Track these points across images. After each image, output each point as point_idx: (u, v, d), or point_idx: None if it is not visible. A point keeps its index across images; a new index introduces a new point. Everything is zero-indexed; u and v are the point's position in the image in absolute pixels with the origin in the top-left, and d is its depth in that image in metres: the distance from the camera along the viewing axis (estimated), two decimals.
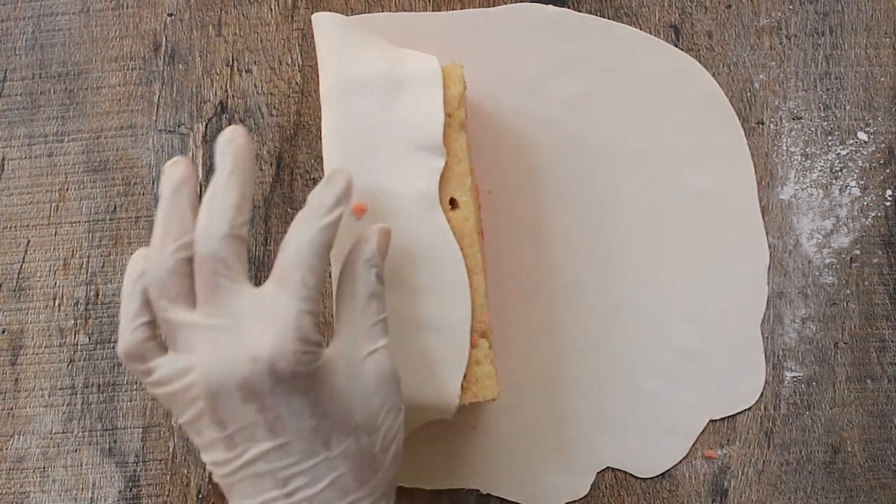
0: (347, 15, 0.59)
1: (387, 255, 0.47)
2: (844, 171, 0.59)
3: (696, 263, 0.58)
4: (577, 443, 0.57)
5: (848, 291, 0.58)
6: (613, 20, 0.59)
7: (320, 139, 0.59)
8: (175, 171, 0.46)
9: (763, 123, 0.59)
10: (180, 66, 0.60)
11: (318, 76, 0.59)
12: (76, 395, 0.58)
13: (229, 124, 0.59)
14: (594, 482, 0.57)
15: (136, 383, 0.58)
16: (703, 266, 0.58)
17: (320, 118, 0.59)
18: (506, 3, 0.59)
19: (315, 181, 0.59)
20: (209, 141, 0.59)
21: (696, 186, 0.58)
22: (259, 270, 0.59)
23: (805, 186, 0.59)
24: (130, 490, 0.58)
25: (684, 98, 0.58)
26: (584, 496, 0.57)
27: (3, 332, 0.59)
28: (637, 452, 0.57)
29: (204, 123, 0.59)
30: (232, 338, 0.43)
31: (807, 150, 0.59)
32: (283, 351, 0.42)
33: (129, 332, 0.45)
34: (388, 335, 0.46)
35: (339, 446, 0.43)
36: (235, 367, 0.42)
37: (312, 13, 0.56)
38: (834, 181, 0.59)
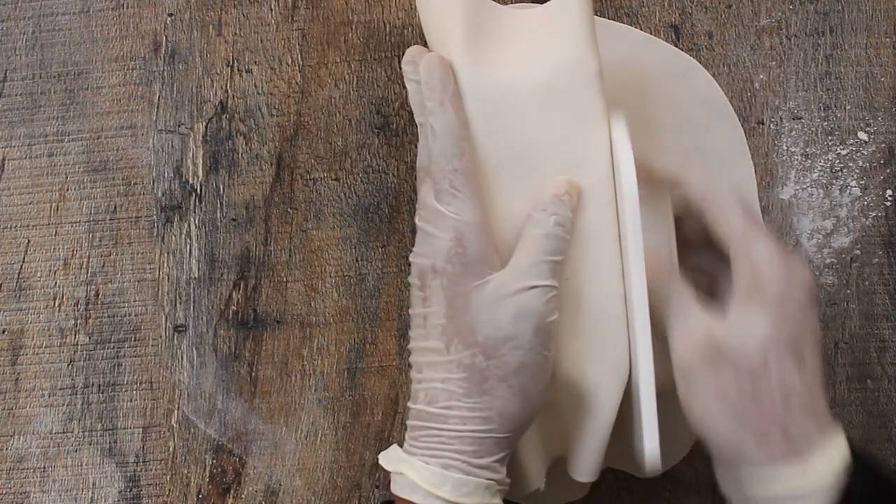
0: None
1: (573, 207, 0.48)
2: (844, 171, 0.59)
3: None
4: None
5: (848, 291, 0.58)
6: (613, 20, 0.59)
7: (320, 139, 0.59)
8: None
9: (763, 123, 0.59)
10: (180, 66, 0.60)
11: (318, 76, 0.59)
12: (76, 395, 0.58)
13: (229, 124, 0.59)
14: (594, 482, 0.57)
15: (137, 383, 0.59)
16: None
17: (320, 118, 0.59)
18: (506, 4, 0.59)
19: (315, 181, 0.59)
20: (209, 141, 0.59)
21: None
22: (259, 270, 0.59)
23: (805, 186, 0.59)
24: (130, 490, 0.58)
25: (684, 98, 0.58)
26: (584, 496, 0.57)
27: (3, 332, 0.59)
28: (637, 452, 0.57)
29: (204, 123, 0.59)
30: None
31: (807, 150, 0.59)
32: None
33: None
34: (555, 279, 0.47)
35: (455, 353, 0.47)
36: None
37: (312, 13, 0.56)
38: (834, 181, 0.59)
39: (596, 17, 0.58)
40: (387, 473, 0.48)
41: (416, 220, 0.49)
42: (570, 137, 0.50)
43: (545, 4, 0.52)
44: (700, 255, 0.53)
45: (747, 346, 0.46)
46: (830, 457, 0.46)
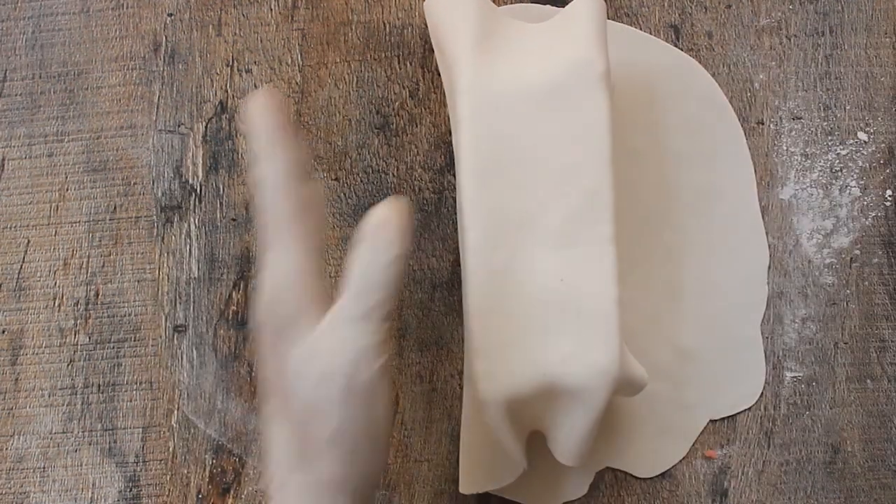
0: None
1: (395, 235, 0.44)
2: (844, 171, 0.59)
3: (695, 263, 0.58)
4: None
5: (848, 291, 0.58)
6: (613, 20, 0.59)
7: (320, 139, 0.59)
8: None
9: (763, 123, 0.59)
10: (180, 66, 0.60)
11: (318, 76, 0.59)
12: (76, 395, 0.58)
13: (229, 124, 0.59)
14: (593, 482, 0.57)
15: (136, 383, 0.58)
16: (703, 266, 0.58)
17: (320, 118, 0.59)
18: (506, 4, 0.59)
19: (315, 181, 0.59)
20: (209, 141, 0.59)
21: (695, 186, 0.58)
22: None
23: (805, 186, 0.59)
24: (130, 490, 0.58)
25: (684, 98, 0.58)
26: (584, 496, 0.57)
27: (3, 332, 0.59)
28: (637, 452, 0.57)
29: (204, 123, 0.59)
30: None
31: (807, 150, 0.59)
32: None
33: None
34: (372, 323, 0.43)
35: (280, 424, 0.45)
36: None
37: (312, 13, 0.56)
38: (834, 181, 0.59)
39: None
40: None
41: None
42: (573, 139, 0.50)
43: (555, 17, 0.52)
44: None
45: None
46: None
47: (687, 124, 0.58)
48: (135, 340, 0.59)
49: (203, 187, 0.59)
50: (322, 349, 0.42)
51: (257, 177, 0.45)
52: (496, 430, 0.50)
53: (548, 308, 0.49)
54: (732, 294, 0.58)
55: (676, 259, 0.58)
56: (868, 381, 0.58)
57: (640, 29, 0.59)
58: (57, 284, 0.59)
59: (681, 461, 0.57)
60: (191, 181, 0.59)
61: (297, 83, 0.59)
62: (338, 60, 0.59)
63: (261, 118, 0.46)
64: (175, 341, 0.59)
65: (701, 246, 0.58)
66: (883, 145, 0.59)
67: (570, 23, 0.51)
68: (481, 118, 0.50)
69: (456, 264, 0.58)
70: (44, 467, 0.58)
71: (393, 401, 0.46)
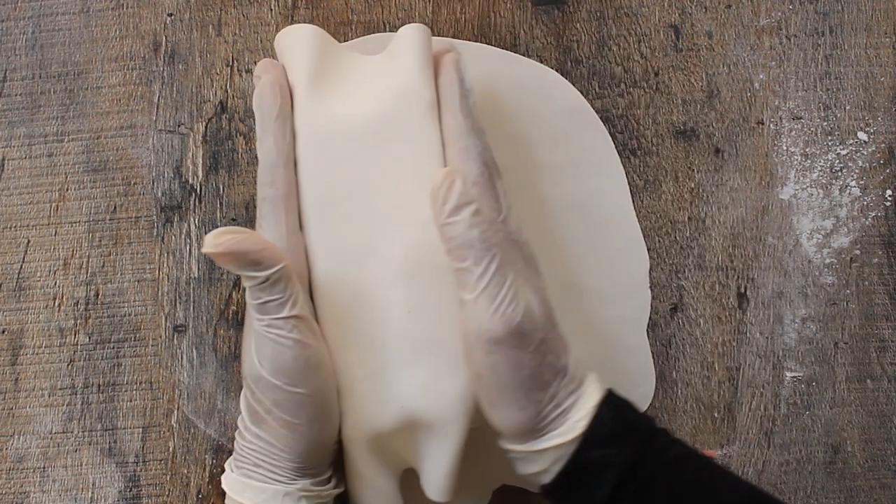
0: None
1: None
2: (844, 171, 0.59)
3: (576, 274, 0.57)
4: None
5: (848, 291, 0.58)
6: (613, 20, 0.59)
7: None
8: None
9: (763, 123, 0.59)
10: (180, 66, 0.60)
11: None
12: (76, 395, 0.58)
13: (229, 124, 0.59)
14: None
15: (136, 383, 0.59)
16: (585, 276, 0.57)
17: None
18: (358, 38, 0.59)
19: None
20: (209, 141, 0.59)
21: (566, 197, 0.57)
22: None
23: (805, 186, 0.59)
24: (130, 490, 0.58)
25: (548, 110, 0.57)
26: None
27: (3, 332, 0.59)
28: None
29: (204, 123, 0.59)
30: None
31: (807, 150, 0.59)
32: None
33: None
34: (295, 309, 0.47)
35: (244, 384, 0.49)
36: None
37: (312, 13, 0.56)
38: (834, 181, 0.59)
39: (452, 39, 0.58)
40: None
41: None
42: (406, 169, 0.49)
43: (387, 48, 0.52)
44: None
45: (537, 318, 0.46)
46: (585, 406, 0.47)
47: (554, 136, 0.58)
48: (135, 340, 0.59)
49: (203, 187, 0.59)
50: (256, 328, 0.47)
51: (259, 152, 0.48)
52: (365, 466, 0.49)
53: (401, 341, 0.48)
54: (615, 302, 0.57)
55: (554, 273, 0.56)
56: (868, 381, 0.58)
57: (640, 29, 0.59)
58: (57, 284, 0.59)
59: None
60: (191, 181, 0.59)
61: None
62: None
63: (269, 97, 0.48)
64: (175, 341, 0.59)
65: (578, 257, 0.57)
66: (883, 145, 0.59)
67: (396, 54, 0.50)
68: (316, 153, 0.49)
69: None
70: (44, 467, 0.58)
71: (334, 379, 0.48)
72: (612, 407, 0.48)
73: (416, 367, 0.48)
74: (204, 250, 0.44)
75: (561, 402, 0.47)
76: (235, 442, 0.49)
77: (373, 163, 0.49)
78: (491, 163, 0.49)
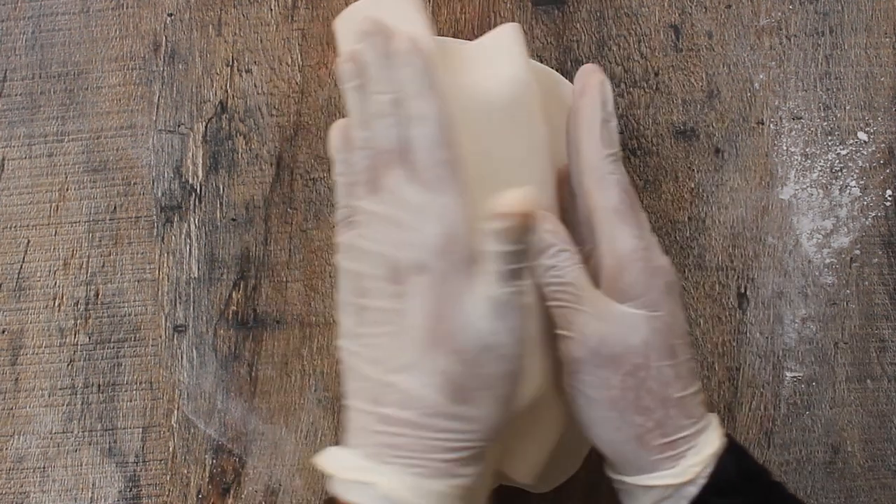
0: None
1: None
2: (844, 171, 0.59)
3: None
4: None
5: (848, 291, 0.58)
6: (613, 20, 0.59)
7: (320, 139, 0.59)
8: None
9: (763, 123, 0.59)
10: (180, 66, 0.60)
11: (318, 76, 0.59)
12: (76, 395, 0.58)
13: (229, 124, 0.59)
14: (594, 483, 0.57)
15: (136, 383, 0.58)
16: None
17: (320, 118, 0.59)
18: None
19: (315, 181, 0.59)
20: (209, 141, 0.59)
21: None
22: (259, 270, 0.59)
23: (805, 186, 0.59)
24: (130, 490, 0.58)
25: (553, 111, 0.57)
26: (584, 494, 0.57)
27: (3, 332, 0.59)
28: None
29: (204, 123, 0.59)
30: None
31: (807, 150, 0.59)
32: None
33: None
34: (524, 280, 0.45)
35: (437, 357, 0.44)
36: None
37: (312, 13, 0.56)
38: (834, 181, 0.59)
39: (452, 39, 0.58)
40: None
41: (369, 204, 0.46)
42: (508, 158, 0.50)
43: (481, 38, 0.53)
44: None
45: (631, 343, 0.46)
46: (703, 451, 0.46)
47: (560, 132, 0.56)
48: (135, 340, 0.59)
49: (203, 187, 0.59)
50: (497, 296, 0.44)
51: (418, 109, 0.45)
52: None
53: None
54: None
55: None
56: (868, 381, 0.58)
57: (640, 28, 0.59)
58: (57, 284, 0.59)
59: None
60: (191, 181, 0.59)
61: (296, 83, 0.59)
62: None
63: (427, 52, 0.46)
64: (175, 341, 0.59)
65: None
66: (883, 145, 0.59)
67: (499, 48, 0.51)
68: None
69: None
70: (44, 467, 0.58)
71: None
72: (735, 455, 0.47)
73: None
74: (505, 210, 0.42)
75: (669, 434, 0.46)
76: (387, 437, 0.44)
77: (484, 143, 0.49)
78: (630, 191, 0.49)
